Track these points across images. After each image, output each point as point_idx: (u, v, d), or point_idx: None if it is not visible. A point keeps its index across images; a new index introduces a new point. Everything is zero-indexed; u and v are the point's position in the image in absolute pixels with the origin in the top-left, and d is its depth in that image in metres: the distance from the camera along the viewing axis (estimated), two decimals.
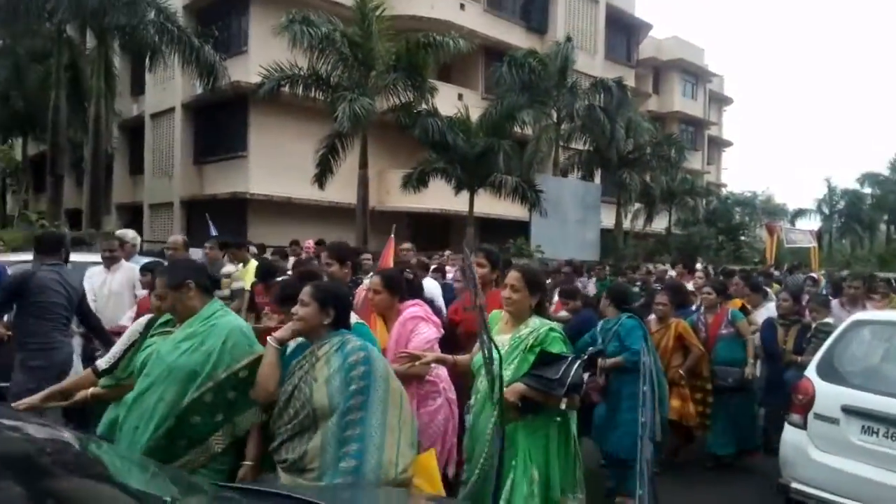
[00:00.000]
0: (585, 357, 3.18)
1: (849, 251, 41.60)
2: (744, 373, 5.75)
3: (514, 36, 24.35)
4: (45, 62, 18.54)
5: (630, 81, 26.53)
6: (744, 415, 5.83)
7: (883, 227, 44.85)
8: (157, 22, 14.97)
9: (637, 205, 26.26)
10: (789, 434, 4.40)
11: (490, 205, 19.65)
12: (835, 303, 6.85)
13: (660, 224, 28.15)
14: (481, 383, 3.14)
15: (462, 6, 22.62)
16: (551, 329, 3.18)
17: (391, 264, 6.53)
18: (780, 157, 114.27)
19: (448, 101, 19.68)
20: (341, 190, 17.50)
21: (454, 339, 4.21)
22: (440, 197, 19.51)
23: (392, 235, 7.39)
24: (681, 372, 5.50)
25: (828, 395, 4.22)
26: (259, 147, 19.18)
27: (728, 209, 32.35)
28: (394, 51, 15.47)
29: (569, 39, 21.27)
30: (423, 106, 16.28)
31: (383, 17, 15.52)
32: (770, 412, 6.12)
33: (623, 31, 30.19)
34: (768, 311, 6.86)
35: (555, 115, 21.59)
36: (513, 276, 3.23)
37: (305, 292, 2.78)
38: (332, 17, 15.32)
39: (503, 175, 17.25)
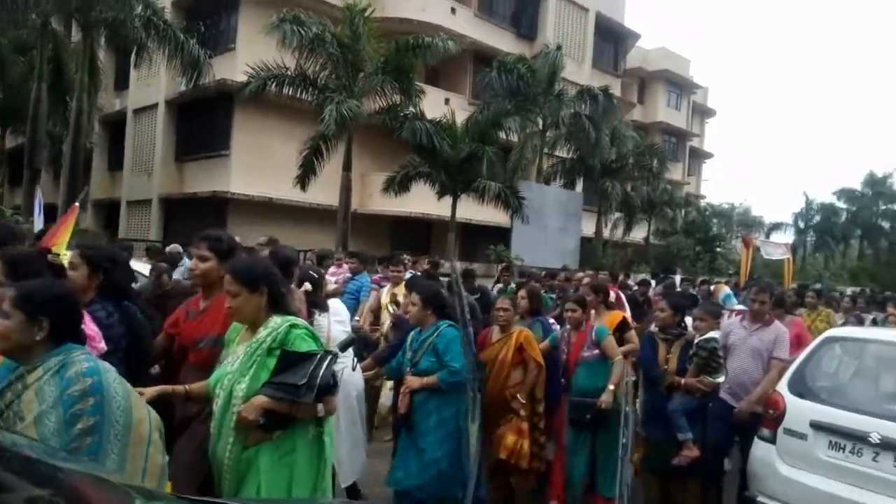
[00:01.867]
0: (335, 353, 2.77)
1: (822, 265, 42.41)
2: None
3: (503, 42, 24.51)
4: (27, 54, 18.28)
5: (616, 91, 26.80)
6: (605, 458, 4.60)
7: (855, 242, 45.75)
8: (144, 17, 14.84)
9: (617, 214, 26.52)
10: (758, 448, 4.50)
11: (472, 210, 19.74)
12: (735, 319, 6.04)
13: (639, 234, 28.45)
14: (216, 406, 2.68)
15: (453, 10, 22.73)
16: (293, 325, 2.73)
17: (58, 241, 4.75)
18: (758, 170, 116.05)
19: (435, 105, 19.74)
20: (323, 192, 17.47)
21: (170, 355, 3.32)
22: (422, 201, 19.54)
23: (76, 203, 5.84)
24: (518, 396, 4.54)
25: (797, 410, 4.31)
26: (242, 146, 19.07)
27: (706, 220, 32.77)
28: (382, 53, 15.50)
29: (559, 48, 21.48)
30: (410, 109, 16.32)
31: (373, 18, 15.55)
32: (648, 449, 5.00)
33: (611, 41, 30.50)
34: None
35: (541, 123, 21.76)
36: (227, 280, 2.75)
37: (8, 299, 2.08)
38: (321, 18, 15.31)
39: (487, 181, 17.33)
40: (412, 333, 4.26)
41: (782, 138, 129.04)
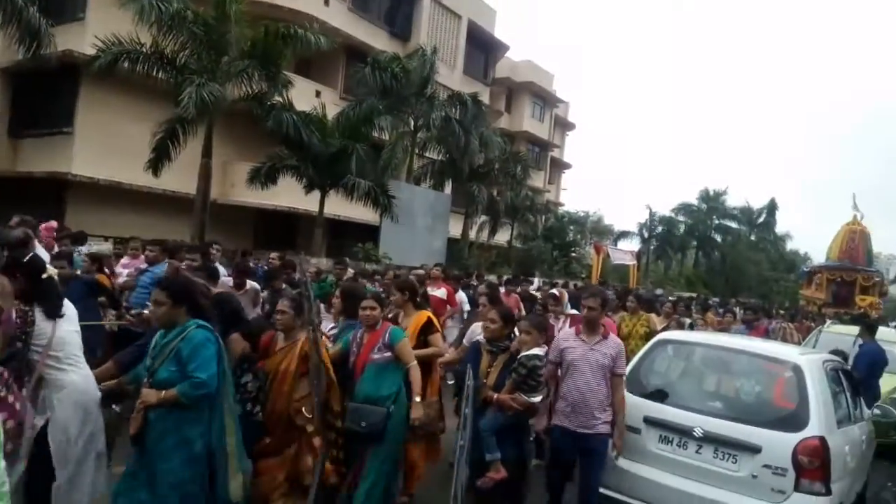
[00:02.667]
0: None
1: (662, 272, 46.41)
2: (388, 414, 4.15)
3: (377, 39, 24.39)
4: None
5: (485, 98, 27.61)
6: (372, 469, 4.18)
7: (692, 252, 50.49)
8: None
9: (483, 217, 27.34)
10: None
11: (341, 207, 19.45)
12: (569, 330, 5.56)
13: (503, 237, 29.50)
14: None
15: (326, 2, 22.25)
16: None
17: None
18: (611, 182, 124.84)
19: (305, 96, 19.22)
20: (180, 179, 16.41)
21: None
22: (290, 195, 18.96)
23: None
24: (304, 410, 4.04)
25: (633, 407, 4.65)
26: (87, 124, 17.41)
27: (563, 227, 34.67)
28: (250, 37, 14.82)
29: (435, 50, 21.72)
30: (278, 98, 15.74)
31: (241, 0, 14.81)
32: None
33: (482, 49, 31.36)
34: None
35: (412, 123, 21.89)
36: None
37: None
38: None
39: (357, 178, 17.15)
40: (156, 336, 3.54)
41: (633, 154, 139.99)
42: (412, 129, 22.03)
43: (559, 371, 4.57)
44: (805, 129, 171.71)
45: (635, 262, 26.85)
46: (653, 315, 8.20)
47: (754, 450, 4.17)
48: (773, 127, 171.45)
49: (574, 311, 6.56)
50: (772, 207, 51.84)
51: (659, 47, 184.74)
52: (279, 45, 14.93)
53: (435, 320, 5.13)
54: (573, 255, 33.81)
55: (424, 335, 4.92)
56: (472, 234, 26.94)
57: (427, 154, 24.32)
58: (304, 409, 4.03)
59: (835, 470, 4.15)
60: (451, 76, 27.42)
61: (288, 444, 4.04)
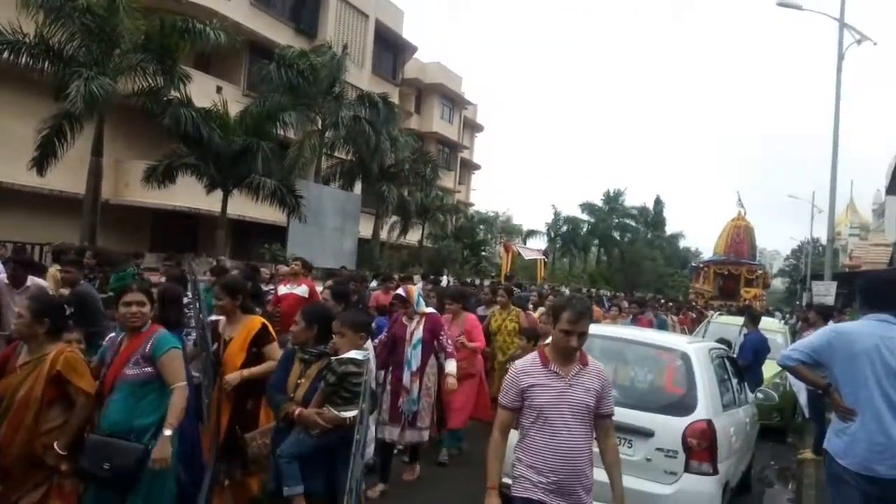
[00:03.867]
0: None
1: (567, 270, 48.10)
2: (145, 452, 3.25)
3: (281, 35, 23.80)
4: None
5: (395, 98, 27.57)
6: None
7: (594, 250, 52.61)
8: None
9: (394, 217, 27.29)
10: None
11: (245, 207, 18.84)
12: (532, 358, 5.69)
13: (414, 237, 29.58)
14: None
15: None
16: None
17: None
18: (519, 182, 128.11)
19: (205, 92, 18.49)
20: (68, 178, 15.38)
21: None
22: (190, 195, 18.18)
23: None
24: (55, 446, 3.27)
25: None
26: None
27: (473, 227, 35.20)
28: (144, 30, 14.07)
29: (345, 48, 21.42)
30: (174, 94, 15.03)
31: None
32: None
33: (390, 50, 31.29)
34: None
35: (320, 122, 21.52)
36: None
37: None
38: None
39: (262, 177, 16.65)
40: None
41: (539, 155, 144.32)
42: (320, 128, 21.66)
43: (524, 420, 3.12)
44: (697, 132, 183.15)
45: (544, 258, 27.69)
46: (521, 310, 7.89)
47: (647, 434, 4.38)
48: (669, 130, 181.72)
49: (430, 310, 5.86)
50: (658, 206, 54.98)
51: (562, 53, 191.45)
52: (176, 39, 14.27)
53: (269, 327, 4.23)
54: (483, 254, 34.37)
55: (258, 346, 4.08)
56: (383, 235, 26.82)
57: (336, 154, 23.99)
58: (55, 443, 3.22)
59: (721, 450, 4.43)
60: (360, 75, 27.19)
61: (25, 489, 3.23)
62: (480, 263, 31.93)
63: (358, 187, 25.40)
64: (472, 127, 43.95)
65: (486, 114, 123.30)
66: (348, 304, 5.88)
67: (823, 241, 25.51)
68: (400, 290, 5.90)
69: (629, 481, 4.31)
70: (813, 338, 3.89)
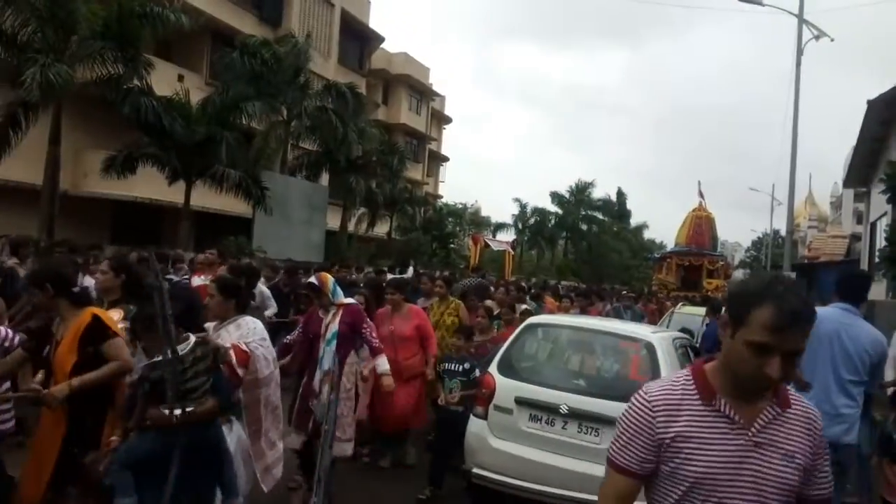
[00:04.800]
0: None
1: (535, 261, 48.48)
2: None
3: (245, 23, 23.34)
4: None
5: (361, 89, 27.34)
6: None
7: (562, 242, 53.09)
8: None
9: (362, 209, 27.13)
10: (473, 425, 4.93)
11: (209, 198, 18.50)
12: None
13: (382, 229, 29.45)
14: None
15: None
16: None
17: None
18: (488, 175, 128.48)
19: (166, 81, 18.07)
20: (26, 168, 14.88)
21: None
22: (152, 186, 17.77)
23: None
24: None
25: (505, 389, 4.81)
26: None
27: (442, 219, 35.22)
28: (102, 15, 13.67)
29: (308, 36, 21.13)
30: (135, 82, 14.66)
31: None
32: None
33: (357, 40, 30.98)
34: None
35: (285, 112, 21.23)
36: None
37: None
38: None
39: (226, 168, 16.37)
40: None
41: (508, 147, 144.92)
42: (285, 118, 21.37)
43: (661, 496, 1.74)
44: (661, 125, 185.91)
45: (511, 250, 27.82)
46: (461, 302, 7.15)
47: (613, 422, 4.41)
48: (633, 122, 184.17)
49: (350, 300, 5.13)
50: (621, 198, 55.80)
51: (528, 44, 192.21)
52: (136, 25, 13.90)
53: (107, 319, 3.45)
54: (452, 246, 34.43)
55: (93, 344, 3.30)
56: (351, 227, 26.66)
57: (302, 145, 23.70)
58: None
59: None
60: (326, 66, 26.87)
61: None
62: (449, 256, 32.00)
63: (325, 179, 25.17)
64: (439, 118, 43.86)
65: (455, 105, 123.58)
66: (240, 298, 4.36)
67: (783, 232, 26.12)
68: (313, 279, 5.00)
69: (596, 469, 4.40)
70: None
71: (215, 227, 20.42)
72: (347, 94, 21.82)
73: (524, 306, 7.88)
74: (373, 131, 24.21)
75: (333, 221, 24.69)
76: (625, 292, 17.20)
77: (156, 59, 17.11)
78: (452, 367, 5.55)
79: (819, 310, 4.55)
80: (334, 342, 4.75)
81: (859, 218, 29.88)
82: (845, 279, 4.46)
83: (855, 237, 29.03)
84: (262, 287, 7.61)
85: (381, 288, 6.84)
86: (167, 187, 17.20)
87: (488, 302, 7.55)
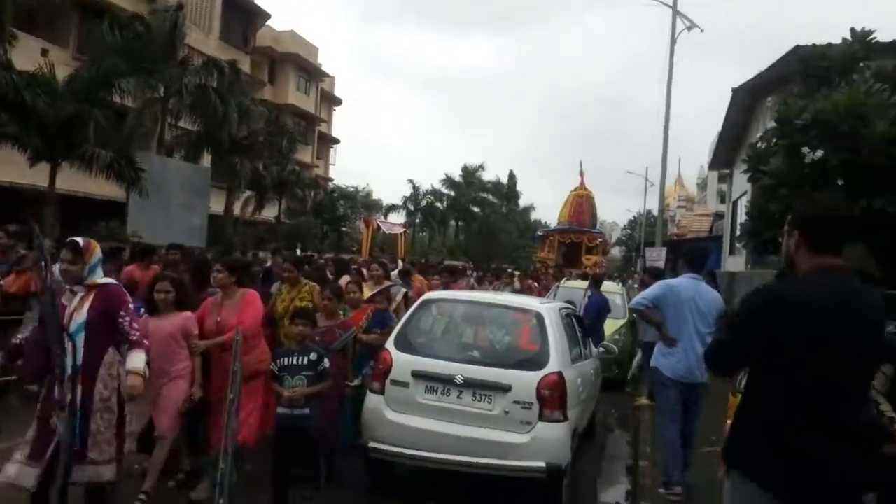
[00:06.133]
0: None
1: (427, 243, 48.98)
2: None
3: None
4: None
5: (245, 67, 26.24)
6: None
7: (453, 223, 53.95)
8: None
9: (248, 192, 26.18)
10: (370, 400, 4.99)
11: (78, 181, 17.17)
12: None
13: (270, 212, 28.60)
14: None
15: None
16: None
17: None
18: (380, 157, 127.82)
19: (29, 55, 16.56)
20: None
21: None
22: (10, 168, 16.27)
23: None
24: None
25: (401, 363, 4.90)
26: None
27: (333, 202, 34.71)
28: None
29: (179, 7, 19.90)
30: None
31: None
32: None
33: (240, 15, 29.63)
34: None
35: (162, 90, 20.01)
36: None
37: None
38: None
39: (96, 148, 15.22)
40: None
41: (400, 130, 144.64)
42: (162, 95, 20.14)
43: None
44: (546, 116, 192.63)
45: (404, 230, 27.94)
46: (315, 285, 6.19)
47: (505, 389, 4.65)
48: (522, 107, 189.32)
49: (108, 280, 4.02)
50: (512, 180, 57.65)
51: (420, 28, 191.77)
52: None
53: None
54: (345, 229, 34.05)
55: None
56: (237, 210, 25.66)
57: (181, 124, 22.44)
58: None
59: (570, 399, 4.82)
60: (207, 42, 25.54)
61: None
62: (342, 239, 31.63)
63: (207, 160, 24.00)
64: (329, 100, 42.98)
65: (344, 87, 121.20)
66: None
67: (655, 212, 28.03)
68: (79, 240, 3.86)
69: (490, 434, 4.61)
70: (654, 289, 5.44)
71: (84, 213, 18.95)
72: (227, 71, 20.86)
73: (388, 283, 7.23)
74: (259, 109, 23.33)
75: (218, 205, 23.65)
76: (510, 270, 17.76)
77: (18, 32, 15.62)
78: (294, 361, 4.55)
79: (676, 280, 5.47)
80: (82, 334, 3.71)
81: (723, 197, 32.65)
82: (692, 255, 5.53)
83: (718, 215, 31.67)
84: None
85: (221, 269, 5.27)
86: (28, 169, 15.77)
87: (346, 280, 6.87)
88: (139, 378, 3.76)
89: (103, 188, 17.83)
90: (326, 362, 4.61)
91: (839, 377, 2.27)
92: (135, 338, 3.83)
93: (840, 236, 2.41)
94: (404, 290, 7.45)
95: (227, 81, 20.86)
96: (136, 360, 3.78)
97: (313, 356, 4.58)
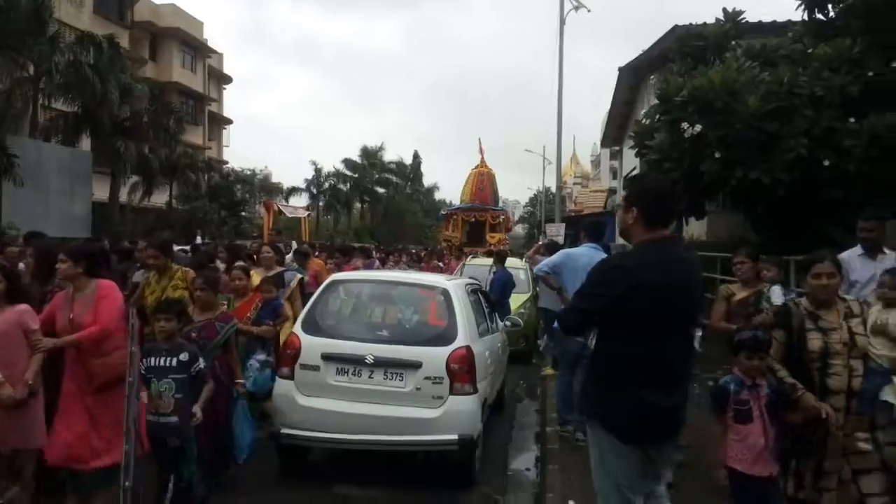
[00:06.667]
0: None
1: (332, 226, 48.21)
2: None
3: None
4: None
5: (124, 42, 24.51)
6: None
7: (358, 205, 53.35)
8: None
9: (135, 177, 24.64)
10: (279, 386, 4.89)
11: None
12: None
13: (160, 198, 27.10)
14: None
15: None
16: None
17: None
18: (276, 139, 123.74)
19: None
20: None
21: None
22: None
23: None
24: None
25: (311, 347, 4.84)
26: None
27: (230, 185, 33.34)
28: None
29: None
30: None
31: None
32: None
33: None
34: None
35: (32, 68, 18.34)
36: None
37: None
38: None
39: None
40: None
41: (295, 111, 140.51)
42: (32, 74, 18.48)
43: None
44: (444, 94, 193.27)
45: (308, 214, 27.29)
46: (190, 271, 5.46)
47: (416, 366, 4.71)
48: (421, 85, 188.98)
49: None
50: (417, 161, 57.79)
51: (307, 4, 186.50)
52: None
53: None
54: (244, 214, 32.85)
55: None
56: (123, 197, 24.11)
57: (55, 105, 20.70)
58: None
59: (479, 372, 4.94)
60: (80, 16, 23.60)
61: None
62: (241, 224, 30.50)
63: (87, 144, 22.32)
64: (219, 78, 40.97)
65: (234, 65, 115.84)
66: None
67: (553, 189, 28.91)
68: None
69: (402, 411, 4.66)
70: (554, 257, 6.06)
71: None
72: (104, 46, 19.42)
73: (280, 269, 6.65)
74: (140, 87, 21.90)
75: (101, 192, 22.10)
76: (415, 251, 17.80)
77: None
78: (162, 362, 3.93)
79: (574, 250, 6.15)
80: None
81: (615, 173, 34.16)
82: (591, 227, 6.22)
83: (612, 191, 33.15)
84: None
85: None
86: None
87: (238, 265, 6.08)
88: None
89: None
90: (201, 363, 3.99)
91: (676, 331, 2.75)
92: None
93: (670, 212, 2.91)
94: (300, 275, 6.89)
95: (104, 58, 19.44)
96: None
97: (184, 356, 3.94)
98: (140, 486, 3.35)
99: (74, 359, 3.93)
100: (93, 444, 3.79)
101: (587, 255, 5.55)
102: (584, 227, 6.35)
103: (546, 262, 6.04)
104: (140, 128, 23.00)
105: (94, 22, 24.50)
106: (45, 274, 4.51)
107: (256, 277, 6.11)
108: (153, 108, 23.99)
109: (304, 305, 5.71)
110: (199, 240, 15.18)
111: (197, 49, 35.91)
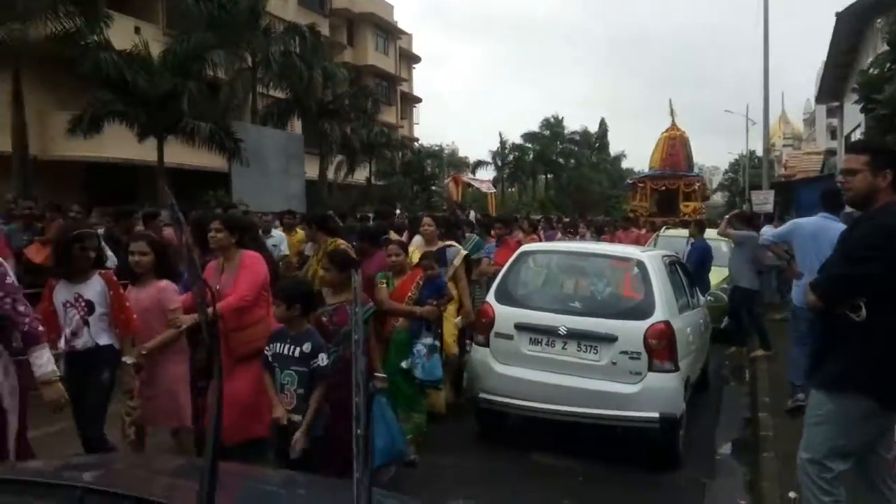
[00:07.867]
0: None
1: (517, 198, 48.55)
2: None
3: None
4: None
5: (324, 30, 26.51)
6: None
7: (542, 177, 53.12)
8: None
9: (339, 156, 26.76)
10: (476, 353, 5.04)
11: (183, 154, 18.09)
12: None
13: (361, 175, 29.18)
14: None
15: None
16: None
17: None
18: (461, 114, 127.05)
19: (123, 34, 17.35)
20: None
21: None
22: (122, 145, 17.33)
23: None
24: None
25: (504, 316, 4.91)
26: None
27: (420, 161, 34.90)
28: None
29: None
30: (93, 37, 14.08)
31: None
32: None
33: None
34: None
35: (250, 60, 20.59)
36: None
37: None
38: None
39: (195, 121, 15.95)
40: None
41: (478, 85, 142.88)
42: (251, 65, 20.73)
43: None
44: (626, 57, 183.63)
45: (493, 189, 27.75)
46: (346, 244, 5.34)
47: (611, 339, 4.57)
48: (603, 53, 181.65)
49: None
50: (603, 129, 55.70)
51: None
52: None
53: None
54: (434, 188, 34.30)
55: None
56: (330, 175, 26.34)
57: (271, 93, 23.10)
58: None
59: (680, 349, 4.67)
60: (285, 7, 25.94)
61: None
62: (432, 198, 31.85)
63: (298, 126, 24.66)
64: (408, 58, 42.82)
65: (419, 44, 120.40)
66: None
67: (759, 153, 26.21)
68: None
69: (598, 384, 4.56)
70: (782, 228, 6.11)
71: (194, 184, 20.06)
72: (308, 35, 21.12)
73: (443, 243, 6.13)
74: (341, 72, 23.59)
75: (311, 170, 24.37)
76: (599, 219, 16.96)
77: (111, 12, 16.44)
78: (286, 350, 3.47)
79: (804, 219, 5.67)
80: None
81: (833, 133, 30.07)
82: (826, 194, 5.51)
83: (830, 152, 29.23)
84: None
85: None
86: (138, 145, 16.79)
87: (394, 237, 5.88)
88: (56, 387, 3.13)
89: (208, 160, 18.73)
90: (322, 359, 3.40)
91: None
92: (29, 329, 3.00)
93: None
94: (464, 251, 6.17)
95: (309, 46, 21.15)
96: (41, 361, 3.04)
97: (307, 347, 3.42)
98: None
99: (221, 332, 3.80)
100: (235, 419, 3.61)
101: (815, 224, 5.22)
102: (823, 194, 5.64)
103: (773, 232, 6.14)
104: (342, 110, 24.90)
105: (298, 12, 26.76)
106: (201, 245, 4.35)
107: (416, 253, 5.74)
108: (352, 91, 25.75)
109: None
110: (397, 213, 16.07)
111: (389, 32, 37.75)
